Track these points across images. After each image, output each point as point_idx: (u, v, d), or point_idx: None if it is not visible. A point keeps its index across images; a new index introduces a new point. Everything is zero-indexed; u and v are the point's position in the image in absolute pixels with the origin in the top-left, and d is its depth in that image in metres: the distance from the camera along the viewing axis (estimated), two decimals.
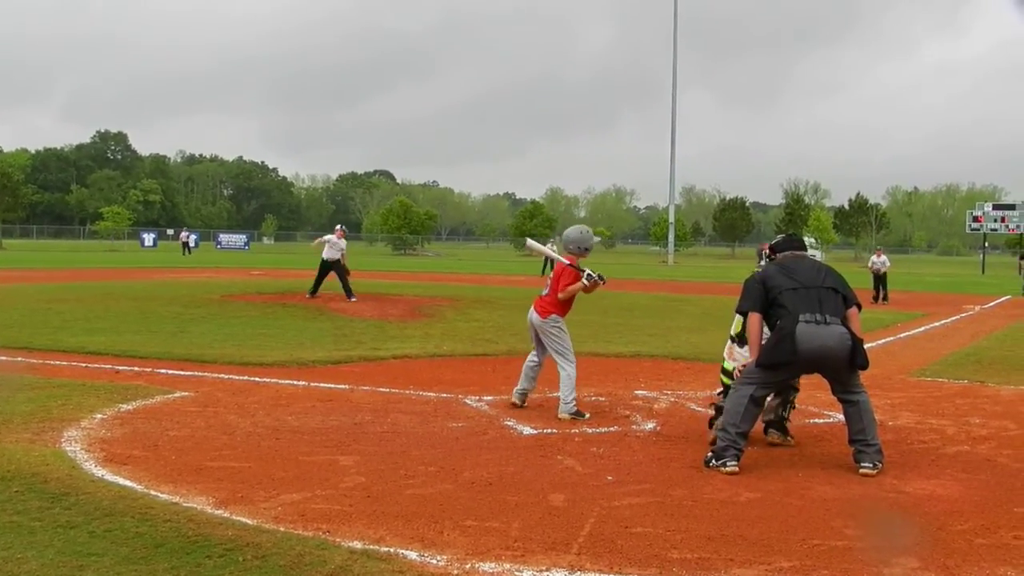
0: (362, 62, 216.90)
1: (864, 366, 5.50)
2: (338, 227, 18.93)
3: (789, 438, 6.14)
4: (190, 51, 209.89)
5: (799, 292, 5.48)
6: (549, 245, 35.28)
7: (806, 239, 58.07)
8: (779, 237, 6.24)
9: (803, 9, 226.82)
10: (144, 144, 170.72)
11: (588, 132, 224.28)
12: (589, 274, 6.93)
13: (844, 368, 5.43)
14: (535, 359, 7.19)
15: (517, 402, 7.17)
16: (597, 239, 7.64)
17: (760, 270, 6.17)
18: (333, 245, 17.54)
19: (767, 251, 6.34)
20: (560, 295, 7.01)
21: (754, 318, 5.60)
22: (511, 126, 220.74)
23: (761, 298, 5.60)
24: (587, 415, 6.81)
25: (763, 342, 5.56)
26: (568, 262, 7.05)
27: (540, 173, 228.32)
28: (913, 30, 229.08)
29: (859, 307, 5.72)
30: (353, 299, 16.93)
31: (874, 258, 23.49)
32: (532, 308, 7.14)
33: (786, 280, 5.58)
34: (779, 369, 5.46)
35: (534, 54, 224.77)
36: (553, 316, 7.02)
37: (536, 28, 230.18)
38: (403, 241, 78.82)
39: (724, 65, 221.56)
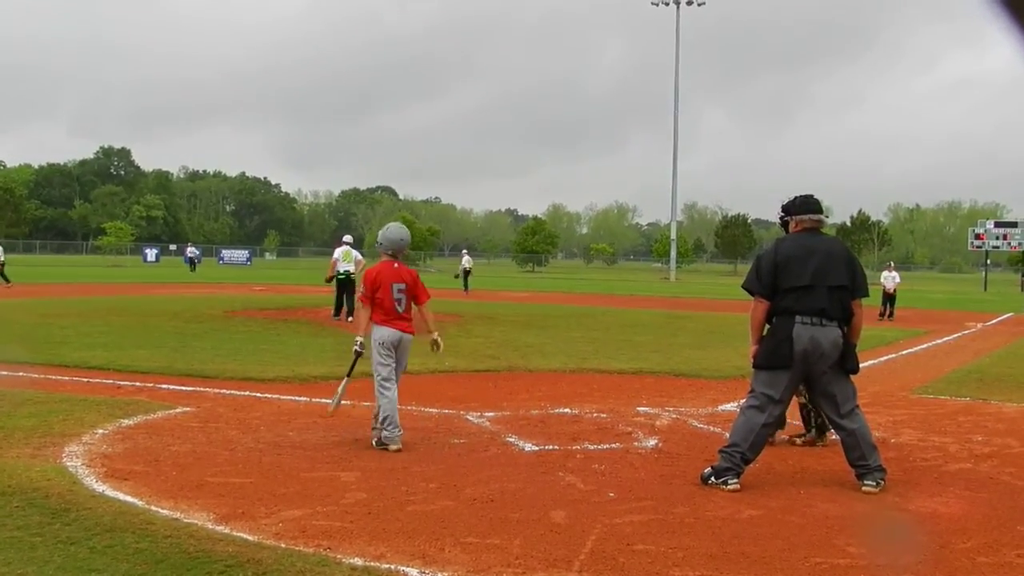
0: (365, 79, 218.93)
1: (854, 370, 5.46)
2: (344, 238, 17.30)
3: (827, 436, 6.50)
4: (193, 68, 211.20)
5: (806, 292, 5.29)
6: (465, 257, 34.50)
7: None
8: (796, 197, 5.67)
9: (816, 27, 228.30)
10: (147, 160, 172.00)
11: (592, 149, 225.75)
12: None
13: (832, 370, 5.35)
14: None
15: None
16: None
17: (775, 246, 5.56)
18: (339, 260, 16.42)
19: (780, 213, 5.75)
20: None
21: (761, 307, 5.44)
22: (514, 143, 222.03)
23: (771, 285, 5.38)
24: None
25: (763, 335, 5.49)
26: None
27: (542, 190, 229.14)
28: (928, 49, 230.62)
29: (867, 294, 5.55)
30: (337, 319, 16.32)
31: (886, 273, 23.43)
32: (402, 328, 6.49)
33: (797, 273, 5.31)
34: (778, 371, 5.34)
35: (541, 72, 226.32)
36: None
37: (544, 47, 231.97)
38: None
39: (734, 82, 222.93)
